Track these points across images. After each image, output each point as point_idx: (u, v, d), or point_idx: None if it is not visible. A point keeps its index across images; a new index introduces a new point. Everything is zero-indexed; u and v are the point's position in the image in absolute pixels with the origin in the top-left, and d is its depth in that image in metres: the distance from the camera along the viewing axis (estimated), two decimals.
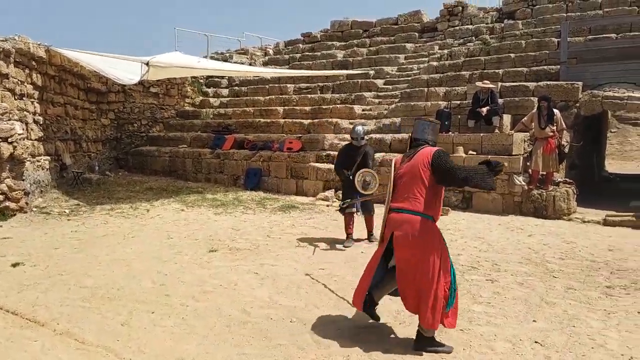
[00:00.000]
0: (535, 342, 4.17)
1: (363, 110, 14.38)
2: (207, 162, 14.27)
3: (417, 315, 4.09)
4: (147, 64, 10.27)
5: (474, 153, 10.45)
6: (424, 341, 4.03)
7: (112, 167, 15.65)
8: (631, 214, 9.26)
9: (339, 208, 7.91)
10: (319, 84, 16.53)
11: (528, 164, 10.12)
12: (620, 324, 4.55)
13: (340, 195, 11.40)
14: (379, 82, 15.54)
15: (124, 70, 11.06)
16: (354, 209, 7.53)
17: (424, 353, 3.98)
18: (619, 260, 6.65)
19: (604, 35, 12.81)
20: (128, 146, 16.25)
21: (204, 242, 7.55)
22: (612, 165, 19.79)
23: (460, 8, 17.91)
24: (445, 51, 15.89)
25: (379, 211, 5.78)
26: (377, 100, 14.75)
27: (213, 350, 4.06)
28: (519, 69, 12.89)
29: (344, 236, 7.65)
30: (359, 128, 7.70)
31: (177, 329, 4.47)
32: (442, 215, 10.13)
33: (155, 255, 6.86)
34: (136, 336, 4.31)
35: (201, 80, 18.87)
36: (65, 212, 9.78)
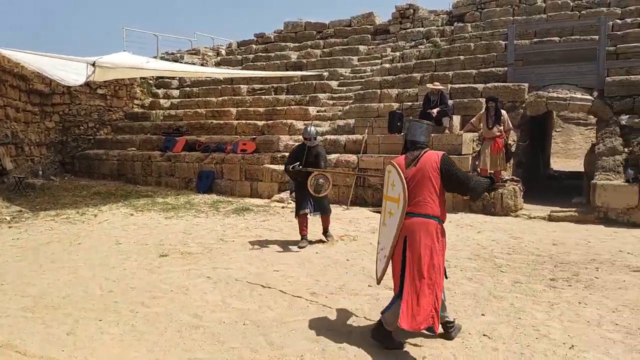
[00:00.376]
0: (484, 335, 4.27)
1: (318, 111, 14.41)
2: (158, 165, 13.95)
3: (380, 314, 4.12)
4: (93, 64, 9.94)
5: None
6: (385, 334, 4.04)
7: (58, 172, 15.06)
8: (574, 209, 9.65)
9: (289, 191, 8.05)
10: (273, 85, 16.46)
11: (477, 163, 10.38)
12: (562, 314, 4.72)
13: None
14: (333, 84, 15.62)
15: (69, 71, 10.65)
16: (307, 210, 7.50)
17: (387, 350, 3.99)
18: (562, 254, 6.91)
19: (548, 38, 13.30)
20: (74, 150, 15.69)
21: (154, 247, 7.37)
22: (557, 163, 20.56)
23: (412, 11, 18.23)
24: (398, 53, 16.12)
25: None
26: (331, 102, 14.82)
27: (163, 356, 3.96)
28: (468, 70, 13.22)
29: (299, 237, 7.62)
30: (312, 128, 7.70)
31: (126, 336, 4.34)
32: None
33: (103, 261, 6.64)
34: (82, 345, 4.16)
35: (151, 81, 18.45)
36: (6, 219, 9.35)
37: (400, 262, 4.00)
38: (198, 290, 5.46)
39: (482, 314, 4.74)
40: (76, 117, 15.79)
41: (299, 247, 7.32)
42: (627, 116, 10.40)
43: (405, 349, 4.03)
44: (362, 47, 17.63)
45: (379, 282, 4.29)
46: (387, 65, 15.31)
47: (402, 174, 4.05)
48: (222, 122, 14.89)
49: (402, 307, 3.82)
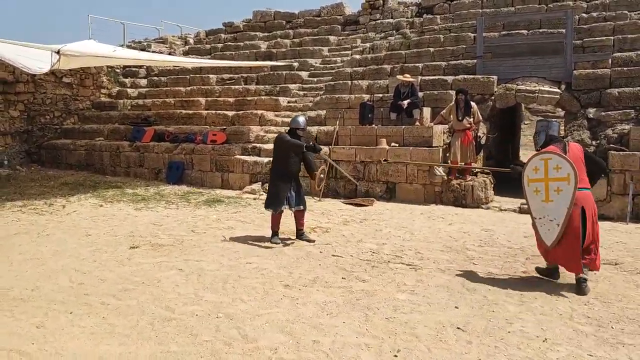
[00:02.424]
0: (458, 327, 4.32)
1: (288, 102, 14.33)
2: (126, 156, 13.68)
3: None
4: (57, 52, 9.64)
5: (397, 145, 10.72)
6: (583, 284, 5.16)
7: (24, 162, 14.61)
8: None
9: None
10: (243, 75, 16.29)
11: (447, 155, 10.50)
12: (535, 307, 4.80)
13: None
14: (304, 74, 15.54)
15: (33, 58, 10.31)
16: (285, 207, 7.05)
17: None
18: (533, 246, 6.95)
19: (516, 31, 13.50)
20: (40, 139, 15.22)
21: (124, 239, 7.24)
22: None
23: (381, 2, 18.22)
24: (368, 44, 16.14)
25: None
26: (302, 93, 14.75)
27: (136, 350, 3.90)
28: (438, 63, 13.33)
29: (270, 229, 7.54)
30: (302, 119, 7.35)
31: (97, 328, 4.26)
32: (367, 205, 10.34)
33: (72, 253, 6.51)
34: (53, 338, 4.08)
35: (118, 70, 18.00)
36: None
37: (580, 223, 5.19)
38: (170, 283, 5.40)
39: (456, 307, 4.79)
40: (42, 106, 15.31)
41: (272, 243, 7.04)
42: (594, 109, 10.66)
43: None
44: (332, 38, 17.58)
45: (551, 247, 5.32)
46: (358, 57, 15.31)
47: (567, 158, 5.23)
48: (191, 112, 14.66)
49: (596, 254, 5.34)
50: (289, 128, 7.50)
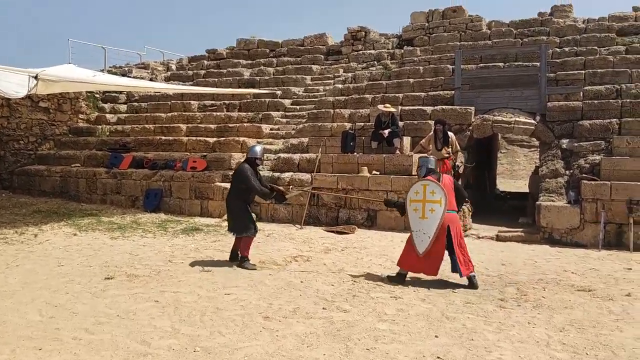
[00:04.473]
0: (438, 357, 4.28)
1: (271, 129, 14.34)
2: (103, 183, 13.47)
3: None
4: (35, 77, 9.53)
5: (377, 173, 10.77)
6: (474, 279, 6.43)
7: None
8: (520, 229, 9.97)
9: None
10: (225, 101, 16.30)
11: None
12: (513, 335, 4.81)
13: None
14: (286, 102, 15.63)
15: (9, 82, 10.16)
16: (254, 232, 7.48)
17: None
18: (510, 274, 7.09)
19: (493, 64, 13.82)
20: (13, 165, 14.94)
21: (98, 269, 7.05)
22: (503, 184, 21.24)
23: (364, 33, 18.60)
24: (350, 74, 16.34)
25: None
26: (284, 120, 14.81)
27: None
28: (418, 93, 13.54)
29: (250, 258, 7.45)
30: (261, 147, 7.83)
31: None
32: (348, 233, 10.30)
33: (43, 284, 6.30)
34: None
35: (97, 95, 17.85)
36: None
37: (445, 238, 6.40)
38: (146, 315, 5.24)
39: (436, 336, 4.76)
40: (16, 131, 15.07)
41: (250, 268, 7.17)
42: (567, 140, 10.89)
43: None
44: (314, 67, 17.77)
45: (422, 255, 6.42)
46: (340, 86, 15.48)
47: (441, 186, 6.48)
48: (171, 138, 14.56)
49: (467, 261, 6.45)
50: (246, 157, 7.84)
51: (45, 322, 5.04)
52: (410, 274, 6.65)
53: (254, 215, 7.61)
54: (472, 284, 6.38)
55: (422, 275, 6.67)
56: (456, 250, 6.39)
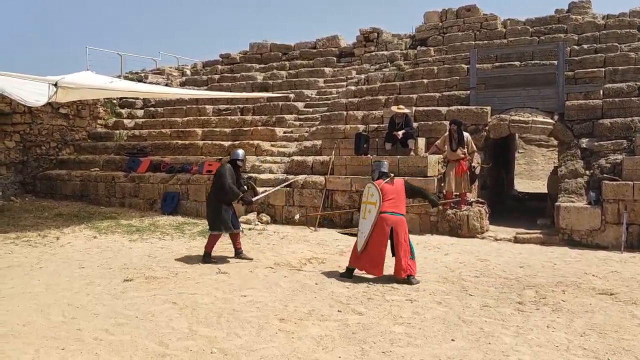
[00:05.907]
0: None
1: (285, 132, 14.42)
2: (121, 186, 13.66)
3: None
4: (55, 84, 9.70)
5: (392, 174, 10.73)
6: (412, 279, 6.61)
7: (18, 192, 14.57)
8: (539, 231, 9.85)
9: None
10: (239, 105, 16.42)
11: (442, 184, 10.53)
12: (531, 339, 4.76)
13: (263, 218, 11.32)
14: (300, 105, 15.68)
15: (30, 90, 10.36)
16: (241, 229, 8.28)
17: None
18: (529, 277, 7.00)
19: (509, 63, 13.71)
20: (35, 170, 15.22)
21: (118, 271, 7.17)
22: (521, 184, 21.00)
23: (376, 34, 18.54)
24: (363, 76, 16.34)
25: None
26: (298, 123, 14.86)
27: None
28: (432, 94, 13.49)
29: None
30: (242, 151, 8.39)
31: None
32: None
33: (65, 286, 6.43)
34: None
35: (115, 101, 18.11)
36: None
37: (388, 240, 6.67)
38: (164, 317, 5.32)
39: (452, 339, 4.75)
40: (37, 137, 15.36)
41: (203, 263, 7.66)
42: (587, 139, 10.74)
43: None
44: (327, 69, 17.80)
45: (360, 252, 6.73)
46: (353, 88, 15.49)
47: (378, 188, 6.69)
48: (187, 142, 14.73)
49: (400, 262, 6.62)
50: (229, 159, 8.32)
51: (67, 322, 5.16)
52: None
53: (229, 214, 7.87)
54: (409, 282, 6.59)
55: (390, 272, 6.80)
56: (400, 254, 6.61)
